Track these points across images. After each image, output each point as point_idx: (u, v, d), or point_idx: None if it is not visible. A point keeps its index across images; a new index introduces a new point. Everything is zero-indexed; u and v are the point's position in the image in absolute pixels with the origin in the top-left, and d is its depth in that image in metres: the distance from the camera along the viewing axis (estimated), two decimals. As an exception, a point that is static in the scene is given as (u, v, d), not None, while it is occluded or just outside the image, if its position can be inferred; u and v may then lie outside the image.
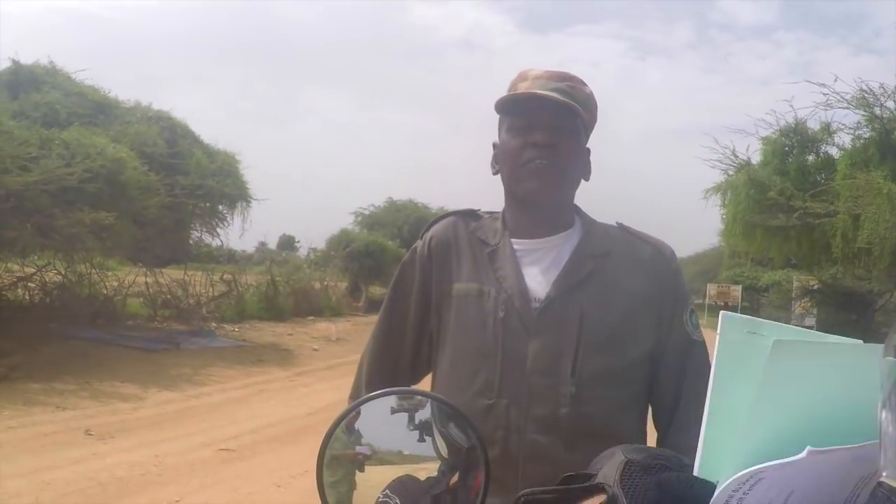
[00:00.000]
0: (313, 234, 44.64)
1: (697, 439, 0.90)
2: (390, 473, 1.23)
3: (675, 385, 1.98)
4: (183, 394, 11.06)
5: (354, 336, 19.86)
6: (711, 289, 41.26)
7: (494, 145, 2.12)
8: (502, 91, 2.06)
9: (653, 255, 2.03)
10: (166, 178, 16.37)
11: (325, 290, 27.88)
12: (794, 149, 19.95)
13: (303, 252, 40.60)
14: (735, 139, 31.38)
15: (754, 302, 41.14)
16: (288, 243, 55.59)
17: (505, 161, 2.02)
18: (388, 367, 2.18)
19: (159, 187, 15.78)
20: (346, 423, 1.23)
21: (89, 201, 13.34)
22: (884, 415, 0.83)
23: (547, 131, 1.92)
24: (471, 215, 2.18)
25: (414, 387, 1.67)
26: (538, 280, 1.97)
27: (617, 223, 2.12)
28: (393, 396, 1.29)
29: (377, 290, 29.57)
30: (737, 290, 39.08)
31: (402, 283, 2.19)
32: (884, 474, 0.82)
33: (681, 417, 1.95)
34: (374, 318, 2.40)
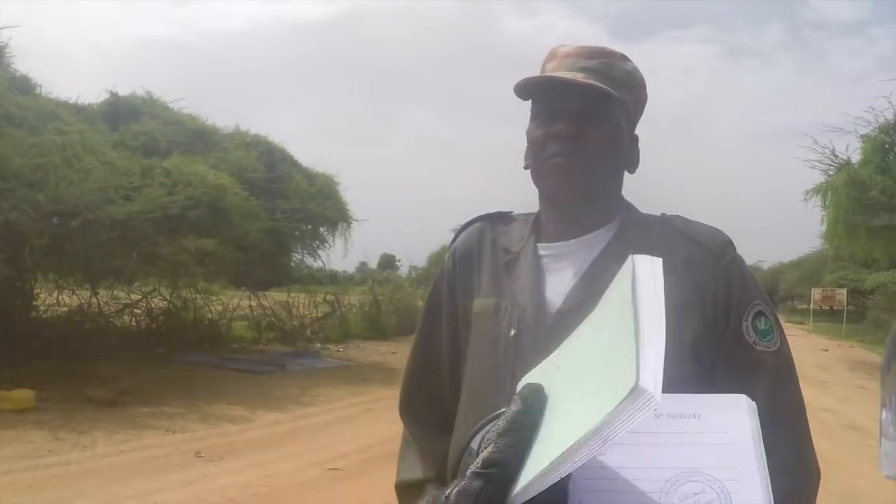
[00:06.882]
0: (413, 252, 46.02)
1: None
2: None
3: None
4: (290, 414, 11.18)
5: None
6: (816, 293, 40.49)
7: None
8: None
9: (690, 254, 1.63)
10: (267, 203, 16.79)
11: (427, 308, 28.09)
12: (894, 146, 19.50)
13: (404, 270, 41.07)
14: (833, 138, 30.78)
15: (860, 305, 40.14)
16: (389, 262, 56.34)
17: (529, 155, 1.75)
18: (427, 387, 2.04)
19: (260, 212, 16.17)
20: None
21: (192, 228, 13.67)
22: (884, 414, 0.84)
23: (570, 120, 1.65)
24: (501, 218, 1.92)
25: None
26: (562, 289, 1.67)
27: (662, 214, 1.77)
28: None
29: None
30: (842, 294, 38.14)
31: (433, 301, 2.00)
32: (884, 474, 0.83)
33: None
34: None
